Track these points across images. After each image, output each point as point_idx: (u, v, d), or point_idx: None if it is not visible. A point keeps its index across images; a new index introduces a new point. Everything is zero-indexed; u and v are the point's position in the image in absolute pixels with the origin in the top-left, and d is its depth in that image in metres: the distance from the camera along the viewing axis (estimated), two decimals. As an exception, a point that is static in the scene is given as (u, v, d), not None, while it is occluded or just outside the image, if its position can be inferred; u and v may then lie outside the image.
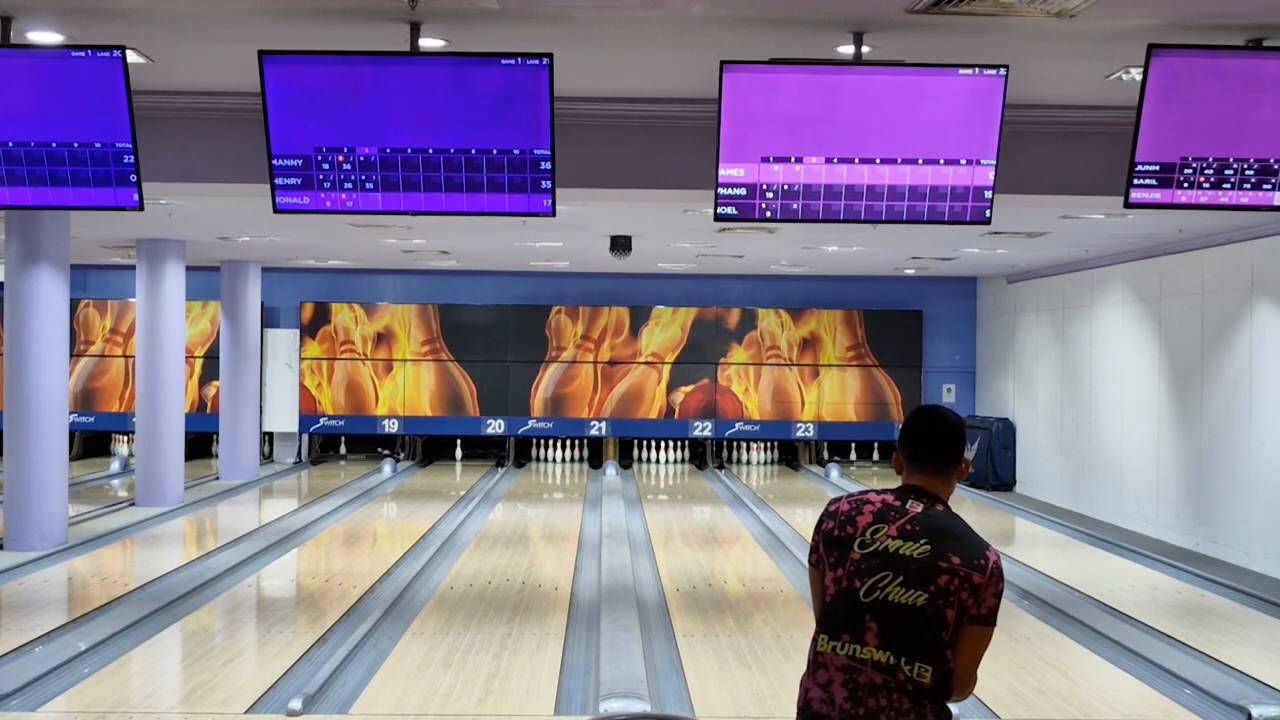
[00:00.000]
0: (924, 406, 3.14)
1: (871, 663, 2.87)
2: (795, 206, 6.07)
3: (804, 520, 12.58)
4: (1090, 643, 7.83)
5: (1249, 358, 11.17)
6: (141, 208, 6.14)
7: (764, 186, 6.03)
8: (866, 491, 3.06)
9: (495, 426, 18.41)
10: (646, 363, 18.44)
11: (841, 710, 2.88)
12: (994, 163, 6.01)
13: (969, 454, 16.47)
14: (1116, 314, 14.07)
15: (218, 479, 16.22)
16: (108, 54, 5.78)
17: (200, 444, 18.20)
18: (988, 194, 6.08)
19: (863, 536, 2.94)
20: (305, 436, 18.68)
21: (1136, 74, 6.28)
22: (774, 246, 13.65)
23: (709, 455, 18.76)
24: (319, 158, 5.97)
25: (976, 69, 5.83)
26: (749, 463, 18.90)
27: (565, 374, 18.43)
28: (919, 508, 2.97)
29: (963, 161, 6.02)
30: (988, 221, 6.14)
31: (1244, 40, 5.73)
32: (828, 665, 2.93)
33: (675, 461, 18.98)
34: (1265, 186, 5.97)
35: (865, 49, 5.88)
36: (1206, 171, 5.94)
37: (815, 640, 2.98)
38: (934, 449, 3.04)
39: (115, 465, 17.61)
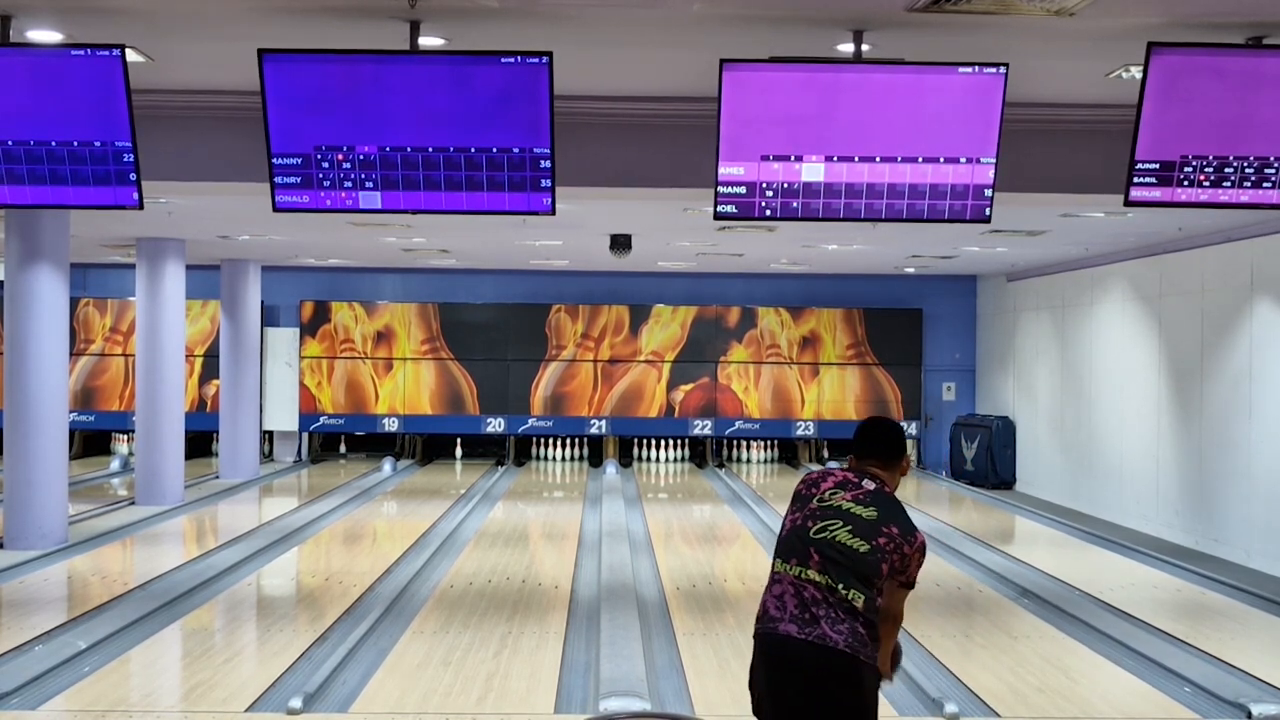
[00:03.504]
0: (872, 416, 4.02)
1: (813, 583, 3.56)
2: (795, 205, 6.06)
3: (804, 519, 12.56)
4: (1090, 641, 7.82)
5: (1249, 356, 11.17)
6: (141, 206, 6.14)
7: (764, 185, 6.03)
8: (835, 468, 3.80)
9: (495, 425, 18.41)
10: (646, 361, 18.44)
11: (791, 614, 3.55)
12: (994, 161, 6.01)
13: (969, 452, 16.47)
14: (1116, 312, 14.07)
15: (218, 478, 16.22)
16: (107, 53, 5.77)
17: (200, 443, 18.19)
18: (988, 192, 6.08)
19: (822, 495, 3.69)
20: (305, 435, 18.69)
21: (1136, 72, 6.28)
22: (774, 245, 13.65)
23: (709, 454, 18.76)
24: (319, 156, 5.97)
25: (976, 67, 5.83)
26: (749, 461, 18.90)
27: (565, 372, 18.43)
28: (871, 486, 3.72)
29: (963, 160, 6.02)
30: (988, 220, 6.14)
31: (1244, 38, 5.73)
32: (781, 581, 3.63)
33: (675, 460, 18.98)
34: (1265, 184, 5.97)
35: (865, 47, 5.88)
36: (1206, 170, 5.94)
37: (773, 564, 3.70)
38: (880, 443, 3.83)
39: (115, 464, 17.61)
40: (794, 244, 13.72)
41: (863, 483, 3.71)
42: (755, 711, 3.76)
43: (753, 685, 3.74)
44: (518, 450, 18.86)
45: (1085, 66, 6.53)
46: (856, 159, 6.00)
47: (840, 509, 3.61)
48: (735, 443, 18.99)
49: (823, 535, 3.57)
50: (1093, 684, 6.99)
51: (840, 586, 3.52)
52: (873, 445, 3.82)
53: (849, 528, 3.57)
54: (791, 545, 3.63)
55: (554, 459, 18.89)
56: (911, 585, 3.68)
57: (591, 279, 18.41)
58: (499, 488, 15.77)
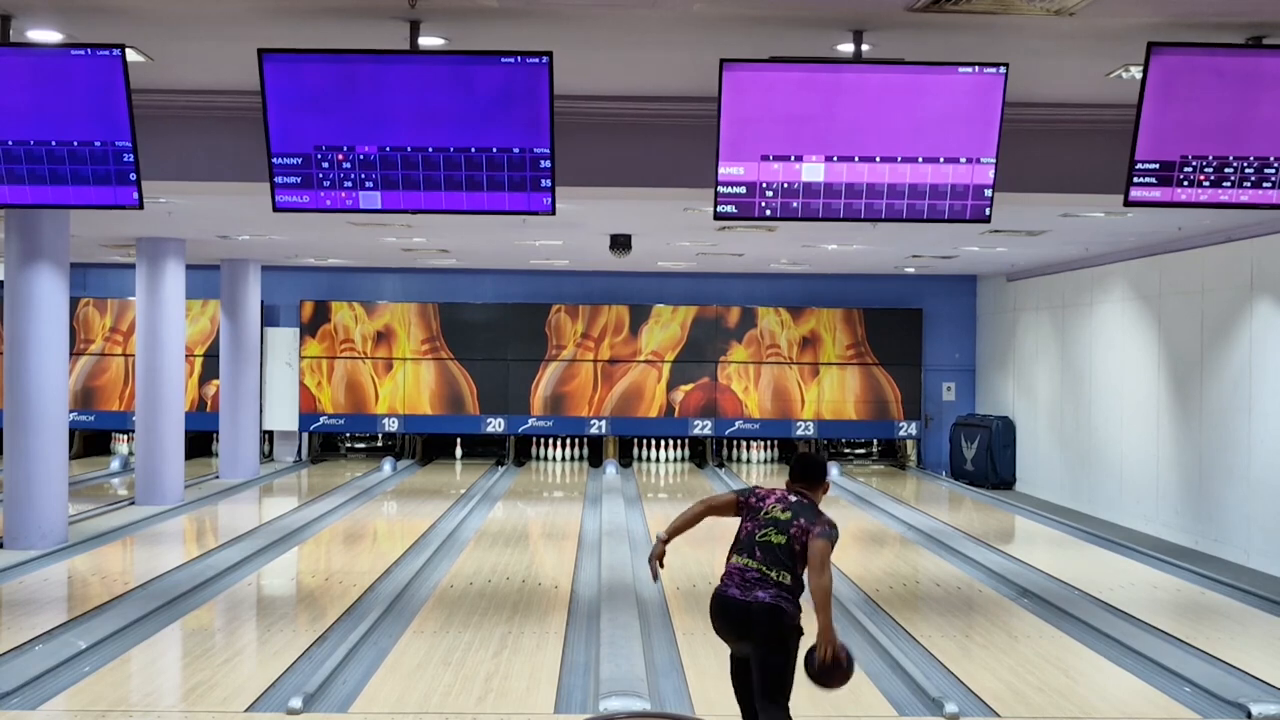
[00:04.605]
0: (801, 454, 5.48)
1: (754, 569, 4.96)
2: (795, 205, 6.07)
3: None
4: (1090, 641, 7.83)
5: (1249, 355, 11.17)
6: (141, 206, 6.14)
7: (764, 185, 6.03)
8: (776, 488, 5.16)
9: (495, 425, 18.41)
10: (646, 361, 18.44)
11: (736, 584, 4.97)
12: (994, 161, 6.01)
13: (969, 452, 16.47)
14: (1116, 312, 14.08)
15: (218, 477, 16.22)
16: (107, 52, 5.78)
17: (200, 442, 18.20)
18: (987, 192, 6.08)
19: (766, 510, 5.06)
20: (305, 435, 18.69)
21: (1136, 72, 6.28)
22: (774, 245, 13.65)
23: (709, 453, 18.75)
24: (319, 156, 5.97)
25: (976, 67, 5.83)
26: (749, 461, 18.90)
27: (565, 372, 18.43)
28: (794, 498, 5.09)
29: (963, 160, 6.02)
30: (987, 220, 6.14)
31: (1244, 38, 5.73)
32: (730, 568, 5.04)
33: (675, 460, 18.98)
34: (1265, 184, 5.97)
35: (865, 47, 5.88)
36: (1206, 169, 5.94)
37: (729, 557, 5.08)
38: (803, 473, 5.21)
39: (115, 464, 17.61)
40: (794, 244, 13.72)
41: (789, 497, 5.11)
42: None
43: (717, 631, 5.17)
44: (518, 450, 18.86)
45: (1085, 66, 6.53)
46: (856, 159, 6.00)
47: (773, 519, 5.03)
48: (735, 443, 18.99)
49: (763, 539, 4.99)
50: (1093, 684, 6.99)
51: (773, 572, 4.93)
52: (800, 474, 5.22)
53: (776, 530, 4.99)
54: (743, 545, 5.05)
55: (554, 459, 18.89)
56: (823, 557, 4.91)
57: (591, 279, 18.41)
58: (499, 488, 15.77)
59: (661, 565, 5.40)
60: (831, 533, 5.02)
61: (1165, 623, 8.27)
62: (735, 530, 5.09)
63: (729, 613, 4.99)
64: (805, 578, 4.94)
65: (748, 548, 5.01)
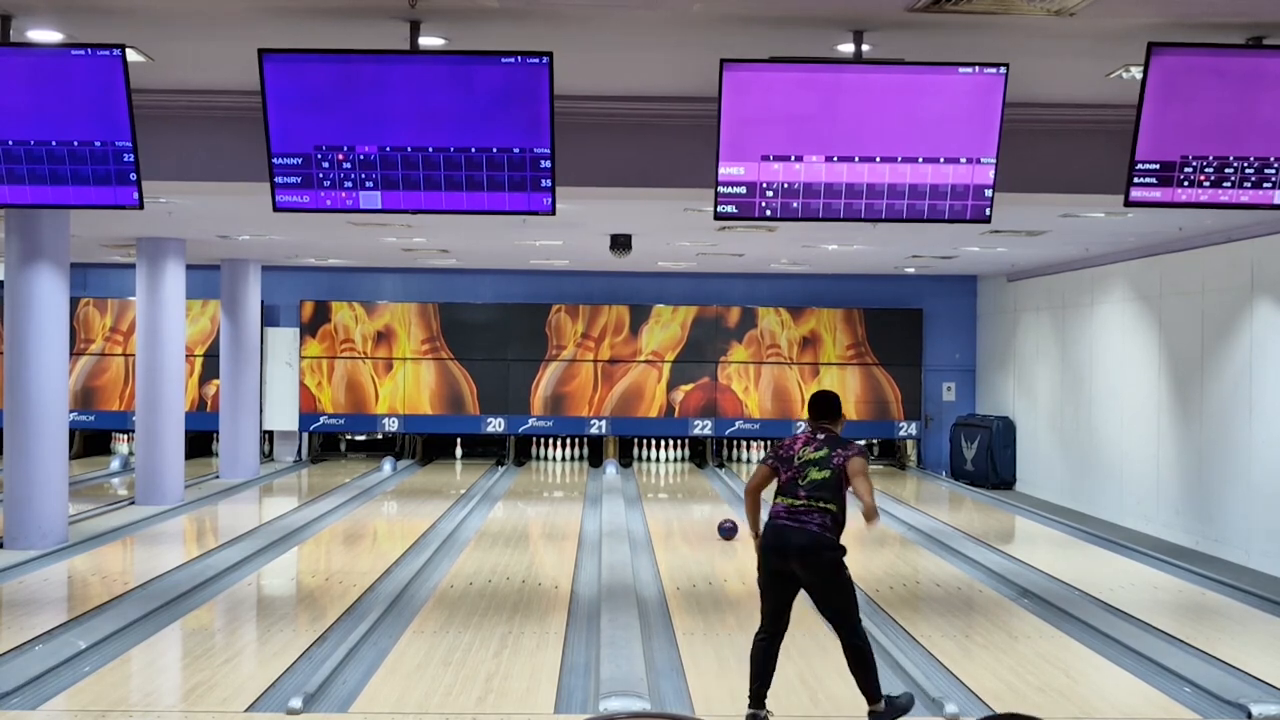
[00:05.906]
0: (818, 391, 6.12)
1: (801, 504, 5.65)
2: (795, 205, 6.07)
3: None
4: (1091, 641, 7.83)
5: (1249, 356, 11.17)
6: (141, 206, 6.14)
7: (764, 185, 6.03)
8: (799, 434, 5.86)
9: (495, 425, 18.41)
10: (646, 361, 18.44)
11: (786, 515, 5.67)
12: (994, 161, 6.02)
13: (969, 452, 16.47)
14: (1117, 312, 14.08)
15: (218, 477, 16.22)
16: (107, 52, 5.78)
17: (200, 442, 18.19)
18: (988, 192, 6.08)
19: (799, 455, 5.76)
20: (305, 435, 18.69)
21: (1137, 72, 6.28)
22: (774, 245, 13.65)
23: (709, 453, 18.76)
24: (319, 156, 5.97)
25: (976, 67, 5.83)
26: (749, 461, 18.90)
27: (565, 372, 18.43)
28: (823, 436, 5.81)
29: (963, 160, 6.02)
30: (988, 220, 6.15)
31: (1244, 39, 5.74)
32: (778, 508, 5.72)
33: (675, 460, 18.98)
34: (1265, 185, 5.98)
35: (865, 47, 5.88)
36: (1206, 170, 5.94)
37: (775, 499, 5.78)
38: (823, 410, 5.92)
39: (115, 464, 17.62)
40: (794, 244, 13.72)
41: (816, 435, 5.81)
42: (761, 584, 5.80)
43: (760, 565, 5.75)
44: (518, 450, 18.86)
45: (1085, 66, 6.53)
46: (857, 159, 6.00)
47: (810, 460, 5.70)
48: (735, 443, 18.99)
49: (807, 480, 5.67)
50: (1093, 684, 6.99)
51: (818, 502, 5.61)
52: (822, 411, 5.90)
53: (817, 468, 5.67)
54: (788, 489, 5.72)
55: (554, 459, 18.89)
56: (864, 471, 5.69)
57: (591, 279, 18.41)
58: (499, 488, 15.77)
59: None
60: (864, 449, 5.83)
61: (1165, 623, 8.27)
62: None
63: (782, 535, 5.64)
64: (848, 501, 5.69)
65: (791, 490, 5.71)
